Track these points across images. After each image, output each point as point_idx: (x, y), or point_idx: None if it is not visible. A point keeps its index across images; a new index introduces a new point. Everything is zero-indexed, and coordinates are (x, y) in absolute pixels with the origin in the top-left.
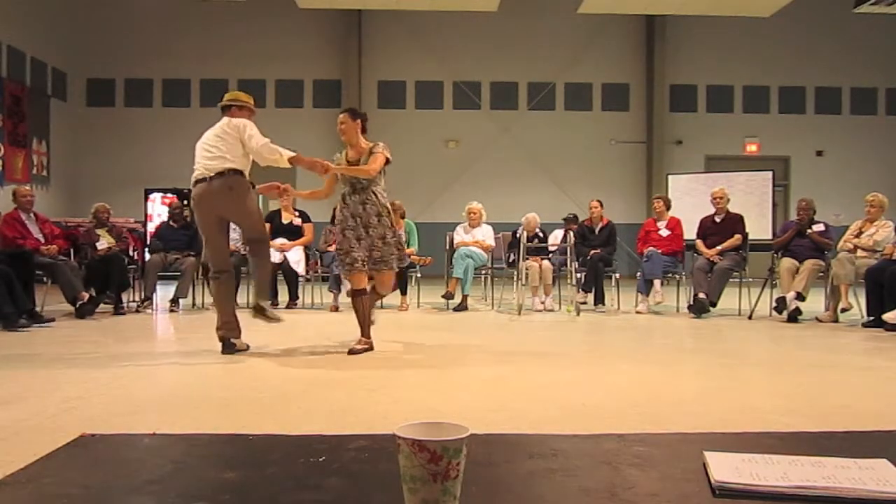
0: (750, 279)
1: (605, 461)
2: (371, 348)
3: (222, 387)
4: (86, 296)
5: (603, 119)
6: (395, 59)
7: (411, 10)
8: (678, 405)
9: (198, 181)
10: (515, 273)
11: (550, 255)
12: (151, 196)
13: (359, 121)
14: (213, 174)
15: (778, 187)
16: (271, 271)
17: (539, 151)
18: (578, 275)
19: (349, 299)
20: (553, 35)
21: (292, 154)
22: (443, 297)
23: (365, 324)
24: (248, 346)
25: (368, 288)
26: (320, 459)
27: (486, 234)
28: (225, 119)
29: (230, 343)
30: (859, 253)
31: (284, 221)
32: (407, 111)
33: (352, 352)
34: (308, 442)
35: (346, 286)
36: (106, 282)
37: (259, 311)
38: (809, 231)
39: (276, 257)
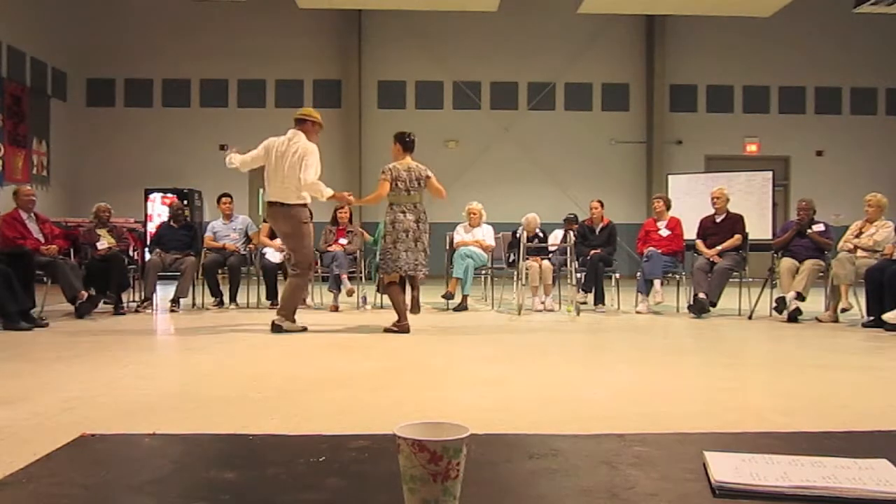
0: (750, 279)
1: (605, 461)
2: (407, 330)
3: (222, 386)
4: (85, 294)
5: (603, 119)
6: (395, 59)
7: (411, 9)
8: (678, 405)
9: (269, 203)
10: (515, 273)
11: (550, 255)
12: (151, 196)
13: (396, 143)
14: (280, 202)
15: (778, 187)
16: (292, 293)
17: (539, 151)
18: (578, 275)
19: (349, 299)
20: (553, 35)
21: (331, 193)
22: (443, 297)
23: (400, 310)
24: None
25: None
26: (320, 459)
27: (486, 234)
28: (298, 136)
29: (279, 327)
30: (859, 253)
31: None
32: (407, 111)
33: (386, 330)
34: (308, 442)
35: (346, 286)
36: (106, 282)
37: (275, 328)
38: (809, 231)
39: (276, 257)
